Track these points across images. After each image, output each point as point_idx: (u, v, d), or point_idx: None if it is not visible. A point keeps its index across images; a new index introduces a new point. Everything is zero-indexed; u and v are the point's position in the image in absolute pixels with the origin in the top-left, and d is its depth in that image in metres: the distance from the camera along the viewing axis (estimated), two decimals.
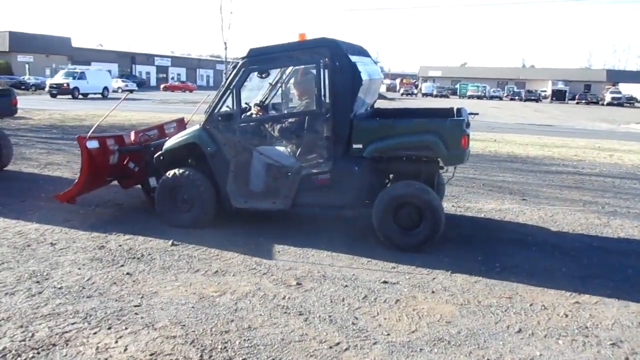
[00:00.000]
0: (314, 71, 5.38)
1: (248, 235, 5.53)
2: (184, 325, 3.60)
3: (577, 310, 4.02)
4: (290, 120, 5.72)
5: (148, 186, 6.34)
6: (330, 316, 3.80)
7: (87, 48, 66.93)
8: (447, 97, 63.84)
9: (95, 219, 6.01)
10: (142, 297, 4.03)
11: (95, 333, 3.47)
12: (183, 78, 73.48)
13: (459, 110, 6.20)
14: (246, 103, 6.00)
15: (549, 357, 3.34)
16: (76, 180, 5.94)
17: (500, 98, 63.70)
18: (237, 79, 5.45)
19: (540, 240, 5.71)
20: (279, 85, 6.56)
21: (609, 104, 56.22)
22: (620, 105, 56.07)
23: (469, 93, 65.51)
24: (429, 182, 5.49)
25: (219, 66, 75.28)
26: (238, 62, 5.60)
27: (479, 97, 62.56)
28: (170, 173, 5.70)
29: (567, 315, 3.92)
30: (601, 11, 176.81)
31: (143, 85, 60.93)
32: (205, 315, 3.75)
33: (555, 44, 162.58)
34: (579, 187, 8.79)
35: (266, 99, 6.48)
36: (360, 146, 5.24)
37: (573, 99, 62.71)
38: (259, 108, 6.05)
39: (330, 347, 3.38)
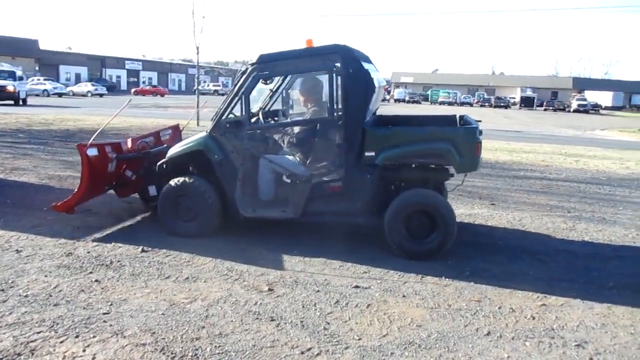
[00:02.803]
0: (321, 78, 5.40)
1: (220, 241, 5.49)
2: (153, 333, 3.55)
3: (544, 313, 4.11)
4: (300, 127, 5.67)
5: (147, 195, 6.18)
6: (302, 321, 3.80)
7: (55, 51, 65.74)
8: (419, 103, 64.71)
9: (62, 225, 5.88)
10: (111, 305, 3.96)
11: (62, 342, 3.40)
12: (155, 82, 72.63)
13: (461, 117, 6.28)
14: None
15: (516, 359, 3.40)
16: (76, 190, 5.68)
17: (471, 104, 64.77)
18: (246, 85, 5.34)
19: (508, 244, 5.82)
20: (279, 91, 6.46)
21: (575, 111, 57.69)
22: (586, 112, 57.62)
23: (440, 99, 66.46)
24: (437, 190, 5.52)
25: (191, 70, 74.68)
26: (247, 68, 5.45)
27: (449, 104, 63.51)
28: (174, 181, 5.55)
29: (534, 318, 4.01)
30: (568, 21, 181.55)
31: (113, 89, 60.03)
32: (175, 322, 3.71)
33: (524, 52, 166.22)
34: (546, 192, 9.00)
35: (266, 105, 6.43)
36: (373, 154, 5.17)
37: (541, 105, 64.16)
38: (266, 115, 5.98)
39: (302, 353, 3.38)
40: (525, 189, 9.21)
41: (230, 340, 3.49)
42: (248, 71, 5.39)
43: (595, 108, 60.62)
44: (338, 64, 5.16)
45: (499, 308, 4.16)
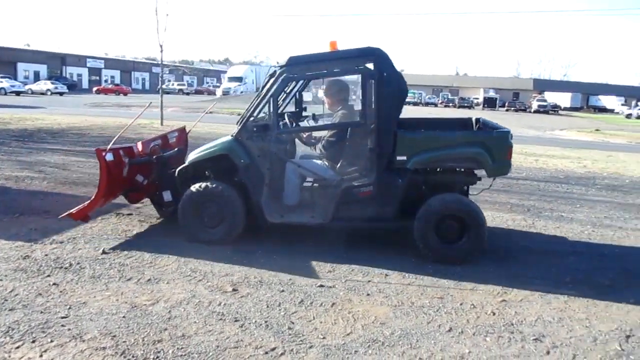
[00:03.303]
0: (348, 81, 5.40)
1: (184, 242, 5.42)
2: (114, 336, 3.48)
3: (504, 308, 4.20)
4: (330, 131, 5.56)
5: (161, 200, 5.94)
6: (266, 321, 3.79)
7: (12, 47, 63.55)
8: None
9: (19, 227, 5.71)
10: (69, 308, 3.86)
11: (18, 347, 3.30)
12: (117, 81, 71.13)
13: (477, 120, 6.31)
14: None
15: (477, 353, 3.47)
16: (93, 196, 5.40)
17: (436, 105, 65.62)
18: (275, 87, 5.24)
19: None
20: (292, 94, 6.27)
21: (535, 112, 59.15)
22: (546, 112, 59.14)
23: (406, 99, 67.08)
24: (463, 193, 5.57)
25: (155, 69, 73.45)
26: (276, 70, 5.34)
27: (415, 104, 64.15)
28: (196, 186, 5.34)
29: (494, 313, 4.09)
30: (529, 24, 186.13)
31: (74, 87, 58.54)
32: (137, 325, 3.64)
33: (487, 53, 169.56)
34: (507, 191, 9.20)
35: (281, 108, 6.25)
36: (404, 158, 5.09)
37: (503, 106, 65.53)
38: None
39: (266, 353, 3.37)
40: (486, 188, 9.38)
41: (194, 342, 3.45)
42: (277, 73, 5.28)
43: (555, 109, 62.28)
44: (372, 67, 5.10)
45: (461, 304, 4.23)
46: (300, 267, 4.89)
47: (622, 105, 66.43)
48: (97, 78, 70.97)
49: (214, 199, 5.32)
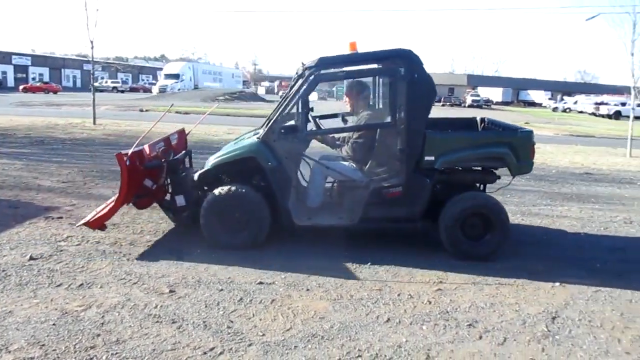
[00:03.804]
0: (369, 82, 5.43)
1: (118, 244, 5.25)
2: (43, 345, 3.32)
3: (440, 297, 4.33)
4: (358, 132, 5.49)
5: (173, 205, 5.63)
6: (204, 322, 3.73)
7: None
8: (325, 99, 65.47)
9: None
10: None
11: None
12: (46, 78, 67.82)
13: (482, 119, 6.35)
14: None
15: (414, 342, 3.56)
16: (112, 203, 5.14)
17: None
18: (303, 88, 5.14)
19: (407, 234, 6.03)
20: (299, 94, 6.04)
21: (469, 106, 61.06)
22: (480, 107, 61.13)
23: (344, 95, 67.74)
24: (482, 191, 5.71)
25: (86, 66, 70.46)
26: (305, 72, 5.25)
27: None
28: (220, 190, 5.18)
29: (430, 302, 4.21)
30: (462, 21, 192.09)
31: None
32: (67, 332, 3.50)
33: (423, 50, 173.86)
34: None
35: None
36: (432, 158, 5.13)
37: (439, 101, 67.25)
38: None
39: (205, 353, 3.32)
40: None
41: (129, 347, 3.35)
42: (306, 74, 5.19)
43: (487, 103, 64.52)
44: (402, 69, 5.09)
45: (399, 295, 4.33)
46: (239, 265, 4.84)
47: (549, 99, 69.75)
48: (24, 76, 67.38)
49: (240, 202, 5.18)
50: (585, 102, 54.91)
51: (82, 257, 4.88)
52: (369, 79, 5.89)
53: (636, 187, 10.02)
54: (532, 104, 74.24)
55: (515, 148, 5.22)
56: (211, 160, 5.42)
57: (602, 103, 48.52)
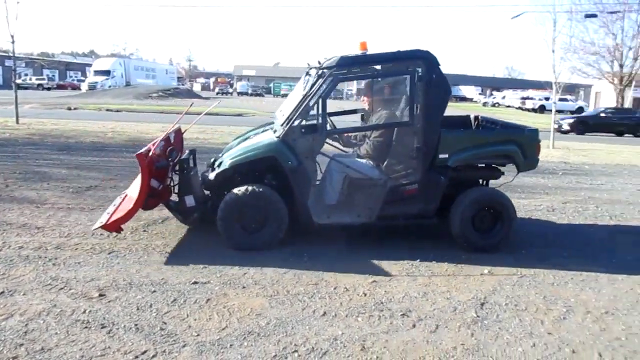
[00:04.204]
0: (403, 83, 5.50)
1: (42, 249, 5.01)
2: None
3: (375, 289, 4.40)
4: (377, 131, 5.54)
5: (182, 206, 5.40)
6: (136, 325, 3.62)
7: None
8: (262, 95, 65.17)
9: None
10: None
11: None
12: None
13: (476, 117, 6.48)
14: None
15: (349, 334, 3.60)
16: (131, 204, 4.86)
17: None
18: (323, 87, 5.12)
19: (343, 228, 6.09)
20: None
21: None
22: None
23: (282, 92, 67.55)
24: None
25: (8, 62, 66.57)
26: (324, 71, 5.19)
27: None
28: (239, 191, 5.11)
29: (365, 294, 4.28)
30: (399, 18, 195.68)
31: None
32: None
33: (354, 45, 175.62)
34: None
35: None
36: (447, 156, 5.29)
37: None
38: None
39: (136, 357, 3.22)
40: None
41: (55, 355, 3.20)
42: (327, 74, 5.16)
43: None
44: (420, 69, 5.16)
45: (335, 289, 4.37)
46: (172, 266, 4.74)
47: (479, 94, 72.44)
48: None
49: (259, 202, 5.15)
50: (512, 97, 57.50)
51: (3, 264, 4.61)
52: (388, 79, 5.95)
53: (558, 177, 10.58)
54: (463, 99, 76.78)
55: (523, 146, 5.51)
56: (228, 161, 5.32)
57: (527, 98, 50.98)
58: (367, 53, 5.46)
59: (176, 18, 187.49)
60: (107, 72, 55.05)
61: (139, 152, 4.91)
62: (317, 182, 5.45)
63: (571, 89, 57.52)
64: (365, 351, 3.39)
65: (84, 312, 3.78)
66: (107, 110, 26.82)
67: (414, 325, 3.78)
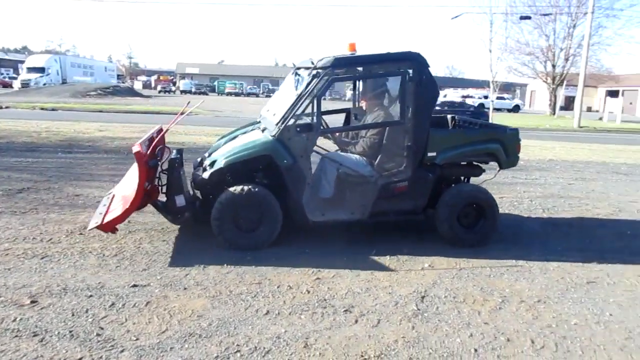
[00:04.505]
0: (386, 83, 5.72)
1: None
2: None
3: (318, 285, 4.43)
4: (369, 130, 5.65)
5: (172, 206, 5.27)
6: (71, 331, 3.48)
7: None
8: (206, 94, 64.16)
9: None
10: None
11: None
12: None
13: (453, 117, 6.69)
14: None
15: (292, 332, 3.60)
16: (128, 204, 4.74)
17: (257, 95, 66.54)
18: (317, 87, 5.17)
19: (284, 225, 6.08)
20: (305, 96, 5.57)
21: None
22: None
23: (227, 90, 66.94)
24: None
25: None
26: (318, 71, 5.21)
27: (236, 94, 64.40)
28: (234, 190, 5.13)
29: (309, 292, 4.29)
30: (341, 16, 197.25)
31: None
32: None
33: (303, 44, 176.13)
34: None
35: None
36: (434, 154, 5.50)
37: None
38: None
39: None
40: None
41: None
42: (321, 74, 5.20)
43: None
44: (411, 71, 5.28)
45: (278, 287, 4.36)
46: (111, 269, 4.59)
47: None
48: None
49: (255, 202, 5.18)
50: (453, 95, 59.09)
51: None
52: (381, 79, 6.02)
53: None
54: None
55: (505, 144, 5.79)
56: (222, 160, 5.24)
57: (467, 96, 52.50)
58: (357, 54, 5.57)
59: (116, 13, 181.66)
60: (41, 69, 52.64)
61: (137, 151, 4.76)
62: (310, 181, 5.47)
63: (508, 87, 59.79)
64: (308, 348, 3.40)
65: (15, 320, 3.61)
66: (42, 109, 25.68)
67: (356, 321, 3.82)
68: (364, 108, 6.06)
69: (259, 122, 6.34)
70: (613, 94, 57.83)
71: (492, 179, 6.72)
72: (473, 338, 3.63)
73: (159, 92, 61.14)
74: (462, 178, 6.22)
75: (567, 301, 4.34)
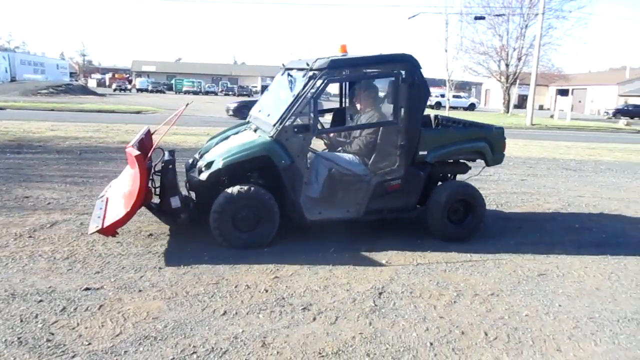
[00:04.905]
0: (376, 84, 5.89)
1: None
2: None
3: (276, 284, 4.41)
4: (364, 130, 5.74)
5: (167, 207, 5.22)
6: (19, 338, 3.36)
7: None
8: (163, 92, 63.01)
9: None
10: None
11: None
12: None
13: (436, 117, 6.77)
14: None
15: (250, 331, 3.58)
16: (128, 207, 4.68)
17: (216, 93, 65.73)
18: (314, 88, 5.24)
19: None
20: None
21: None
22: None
23: (184, 88, 65.84)
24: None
25: None
26: (315, 73, 5.29)
27: (194, 93, 63.40)
28: (232, 190, 5.16)
29: (267, 291, 4.27)
30: (300, 14, 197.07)
31: None
32: None
33: (263, 42, 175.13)
34: None
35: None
36: (425, 152, 5.67)
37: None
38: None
39: None
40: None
41: None
42: (318, 76, 5.28)
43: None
44: (404, 72, 5.41)
45: (236, 287, 4.32)
46: (62, 272, 4.45)
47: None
48: None
49: (253, 202, 5.21)
50: None
51: None
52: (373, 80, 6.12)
53: None
54: None
55: (491, 143, 6.08)
56: (220, 161, 5.24)
57: None
58: (350, 56, 5.66)
59: (68, 8, 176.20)
60: None
61: (138, 154, 4.71)
62: (307, 180, 5.52)
63: (464, 86, 61.06)
64: (266, 347, 3.39)
65: None
66: None
67: (314, 319, 3.83)
68: (358, 108, 6.15)
69: (249, 122, 6.38)
70: (563, 92, 59.89)
71: (476, 176, 6.91)
72: (429, 332, 3.70)
73: (114, 90, 59.66)
74: (449, 175, 6.42)
75: (519, 293, 4.47)
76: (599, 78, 67.99)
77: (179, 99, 47.81)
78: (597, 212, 7.78)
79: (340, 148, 6.10)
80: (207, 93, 65.04)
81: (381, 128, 5.71)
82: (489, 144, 6.08)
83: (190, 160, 6.05)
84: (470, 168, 6.39)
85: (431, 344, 3.54)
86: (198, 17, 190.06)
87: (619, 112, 48.10)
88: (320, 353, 3.35)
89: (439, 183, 6.27)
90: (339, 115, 6.79)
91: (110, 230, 4.70)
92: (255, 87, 74.25)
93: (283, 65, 6.55)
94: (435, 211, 5.74)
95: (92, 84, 69.37)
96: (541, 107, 62.64)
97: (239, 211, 5.21)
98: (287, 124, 5.28)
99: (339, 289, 4.37)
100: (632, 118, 45.16)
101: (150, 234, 5.51)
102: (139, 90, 63.30)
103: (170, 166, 5.34)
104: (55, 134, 14.03)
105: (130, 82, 71.00)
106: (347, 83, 6.67)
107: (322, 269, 4.82)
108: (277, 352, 3.33)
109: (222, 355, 3.28)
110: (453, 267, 5.04)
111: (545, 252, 5.61)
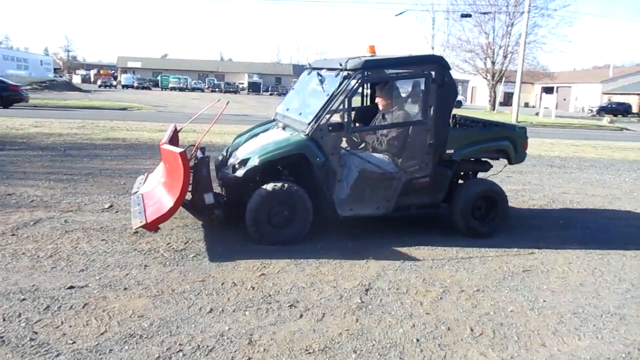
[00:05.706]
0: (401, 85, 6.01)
1: None
2: None
3: (263, 282, 4.40)
4: (394, 129, 5.78)
5: (201, 203, 5.28)
6: (2, 337, 3.31)
7: None
8: (149, 89, 62.48)
9: None
10: None
11: None
12: None
13: (454, 116, 6.83)
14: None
15: (236, 329, 3.57)
16: (171, 203, 4.79)
17: (202, 90, 65.36)
18: (349, 88, 5.34)
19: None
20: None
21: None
22: None
23: (170, 85, 65.39)
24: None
25: None
26: (349, 73, 5.41)
27: (181, 89, 63.04)
28: (268, 187, 5.24)
29: (254, 288, 4.26)
30: (287, 11, 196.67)
31: None
32: None
33: (249, 39, 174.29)
34: None
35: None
36: (452, 151, 5.83)
37: (267, 90, 68.43)
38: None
39: None
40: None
41: None
42: (352, 76, 5.39)
43: None
44: (434, 72, 5.53)
45: (222, 284, 4.31)
46: (46, 270, 4.40)
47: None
48: None
49: (288, 198, 5.30)
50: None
51: None
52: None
53: None
54: None
55: (515, 142, 6.24)
56: (255, 158, 5.33)
57: None
58: (382, 56, 5.76)
59: (52, 2, 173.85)
60: None
61: (181, 151, 4.81)
62: (339, 177, 5.56)
63: None
64: (252, 344, 3.38)
65: None
66: None
67: (301, 316, 3.83)
68: (383, 107, 6.19)
69: (274, 120, 6.52)
70: (548, 90, 60.40)
71: (497, 173, 7.07)
72: (415, 328, 3.71)
73: (99, 86, 58.99)
74: (470, 173, 6.55)
75: (504, 289, 4.51)
76: (583, 76, 68.81)
77: (165, 95, 47.50)
78: (581, 208, 7.87)
79: (361, 147, 6.21)
80: (193, 90, 64.64)
81: (411, 127, 5.82)
82: (512, 142, 6.23)
83: (220, 158, 6.22)
84: (492, 166, 6.55)
85: (417, 340, 3.56)
86: (184, 13, 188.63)
87: (603, 110, 48.74)
88: (307, 350, 3.35)
89: (460, 181, 6.44)
90: (361, 114, 6.83)
91: (153, 225, 4.81)
92: (242, 83, 74.09)
93: (309, 64, 6.74)
94: (461, 207, 5.89)
95: (76, 80, 68.53)
96: (526, 105, 63.20)
97: (274, 208, 5.31)
98: (321, 122, 5.38)
99: (326, 286, 4.37)
100: (615, 116, 45.79)
101: (136, 232, 5.46)
102: (125, 86, 62.66)
103: (205, 163, 5.38)
104: (39, 131, 13.86)
105: (115, 78, 70.33)
106: (369, 83, 6.76)
107: (309, 266, 4.82)
108: (264, 350, 3.33)
109: (209, 353, 3.27)
110: (439, 263, 5.06)
111: (530, 248, 5.67)
